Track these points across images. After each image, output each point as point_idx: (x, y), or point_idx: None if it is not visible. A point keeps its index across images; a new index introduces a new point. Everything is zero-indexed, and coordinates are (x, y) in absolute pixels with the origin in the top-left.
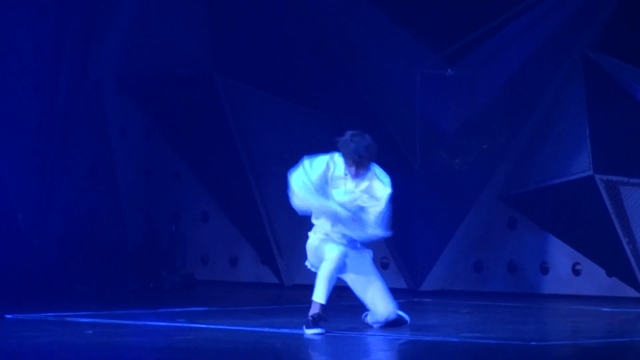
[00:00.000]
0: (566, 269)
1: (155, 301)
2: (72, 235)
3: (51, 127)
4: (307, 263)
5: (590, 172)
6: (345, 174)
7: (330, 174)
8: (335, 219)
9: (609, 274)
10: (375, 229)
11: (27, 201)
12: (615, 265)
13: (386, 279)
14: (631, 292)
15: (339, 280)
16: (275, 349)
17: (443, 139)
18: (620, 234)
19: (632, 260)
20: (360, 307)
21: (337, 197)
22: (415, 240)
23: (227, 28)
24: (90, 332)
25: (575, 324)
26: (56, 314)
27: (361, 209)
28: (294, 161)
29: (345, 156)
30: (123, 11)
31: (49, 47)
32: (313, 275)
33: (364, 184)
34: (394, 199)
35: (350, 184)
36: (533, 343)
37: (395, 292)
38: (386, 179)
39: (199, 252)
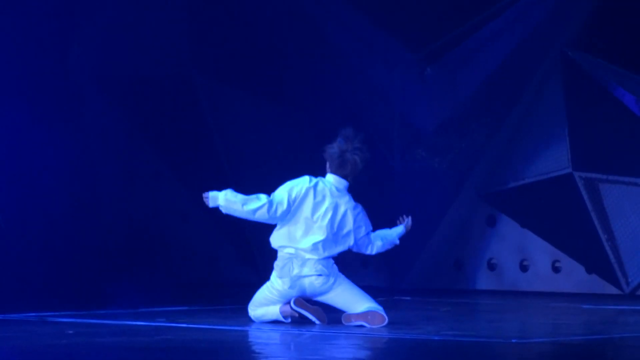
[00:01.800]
0: (546, 266)
1: (135, 301)
2: (52, 235)
3: (31, 127)
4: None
5: (569, 170)
6: None
7: None
8: None
9: (589, 271)
10: None
11: (7, 201)
12: (595, 262)
13: (366, 277)
14: (611, 289)
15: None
16: (257, 348)
17: (422, 137)
18: (600, 231)
19: (611, 257)
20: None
21: None
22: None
23: (207, 29)
24: (70, 332)
25: (555, 321)
26: (36, 314)
27: None
28: (273, 160)
29: None
30: (103, 12)
31: (28, 48)
32: None
33: None
34: (374, 196)
35: None
36: (514, 340)
37: (375, 290)
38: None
39: (180, 252)
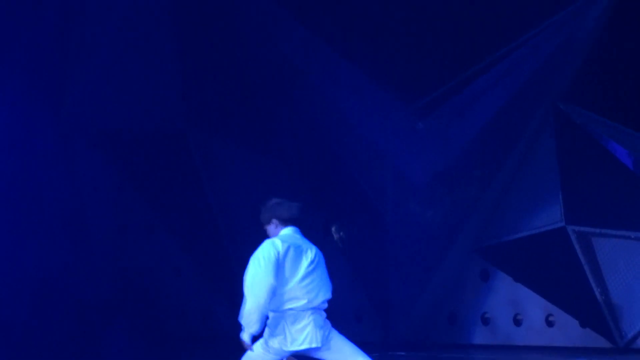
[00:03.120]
0: (539, 320)
1: (129, 356)
2: (46, 290)
3: (24, 182)
4: None
5: (562, 224)
6: None
7: None
8: None
9: (583, 324)
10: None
11: (0, 257)
12: (589, 316)
13: (360, 332)
14: (604, 343)
15: None
16: None
17: (415, 191)
18: (593, 284)
19: (605, 310)
20: None
21: None
22: (388, 292)
23: (200, 83)
24: None
25: None
26: None
27: None
28: None
29: None
30: (95, 67)
31: (21, 103)
32: None
33: None
34: (367, 249)
35: None
36: None
37: (369, 345)
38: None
39: (173, 306)
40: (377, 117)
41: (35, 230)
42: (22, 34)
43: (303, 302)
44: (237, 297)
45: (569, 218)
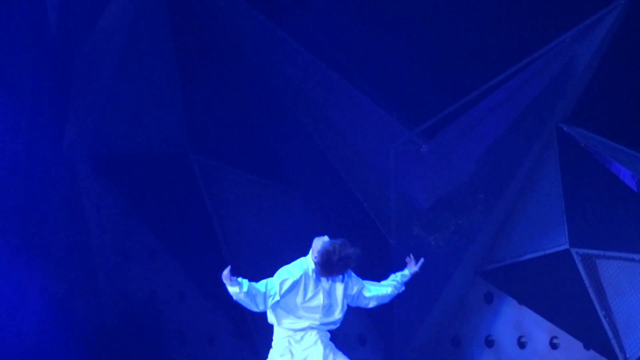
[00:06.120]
0: (544, 342)
1: None
2: (50, 316)
3: (27, 208)
4: None
5: (567, 246)
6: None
7: None
8: None
9: (587, 347)
10: None
11: (3, 283)
12: (593, 338)
13: (364, 356)
14: None
15: None
16: None
17: (418, 214)
18: (597, 307)
19: (609, 332)
20: None
21: None
22: (392, 315)
23: (202, 107)
24: None
25: None
26: None
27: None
28: (270, 239)
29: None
30: (97, 91)
31: (23, 129)
32: None
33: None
34: (371, 274)
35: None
36: None
37: None
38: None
39: (176, 332)
40: (381, 140)
41: (38, 257)
42: (23, 63)
43: (309, 321)
44: (239, 321)
45: (573, 240)
